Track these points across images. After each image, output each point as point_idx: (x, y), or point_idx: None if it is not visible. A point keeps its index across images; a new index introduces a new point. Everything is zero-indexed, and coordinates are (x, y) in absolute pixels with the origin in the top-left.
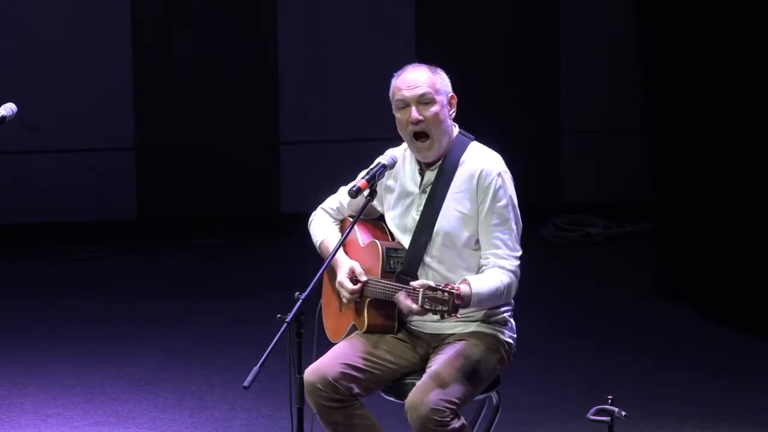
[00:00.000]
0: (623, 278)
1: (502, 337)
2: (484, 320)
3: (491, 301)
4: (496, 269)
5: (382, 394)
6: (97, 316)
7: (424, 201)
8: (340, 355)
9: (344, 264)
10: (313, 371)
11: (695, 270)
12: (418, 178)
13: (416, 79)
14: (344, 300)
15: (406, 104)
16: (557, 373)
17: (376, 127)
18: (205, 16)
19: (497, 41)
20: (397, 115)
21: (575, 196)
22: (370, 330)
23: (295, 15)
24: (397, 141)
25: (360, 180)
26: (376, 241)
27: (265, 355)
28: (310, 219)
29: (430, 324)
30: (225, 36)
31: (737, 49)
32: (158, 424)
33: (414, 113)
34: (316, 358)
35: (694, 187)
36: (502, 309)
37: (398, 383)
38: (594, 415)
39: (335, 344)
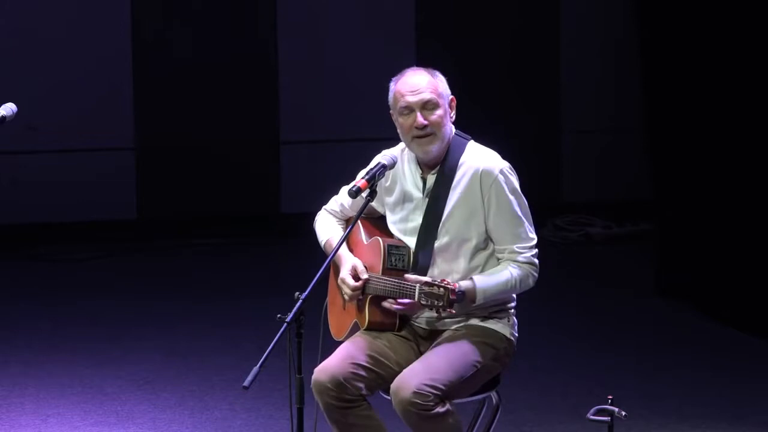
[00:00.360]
0: (623, 278)
1: (500, 332)
2: (485, 316)
3: (503, 294)
4: (506, 263)
5: (382, 394)
6: (97, 316)
7: (426, 204)
8: (349, 355)
9: (347, 261)
10: (323, 371)
11: (695, 270)
12: (421, 183)
13: (418, 84)
14: (346, 297)
15: (411, 110)
16: (557, 373)
17: (376, 127)
18: (205, 16)
19: (497, 41)
20: (400, 119)
21: (575, 196)
22: (371, 327)
23: (295, 15)
24: (397, 141)
25: (360, 180)
26: (378, 237)
27: (265, 355)
28: (315, 220)
29: (430, 320)
30: (225, 36)
31: (737, 49)
32: (158, 424)
33: (420, 118)
34: (322, 356)
35: (695, 187)
36: (505, 305)
37: None
38: (594, 415)
39: (339, 342)
